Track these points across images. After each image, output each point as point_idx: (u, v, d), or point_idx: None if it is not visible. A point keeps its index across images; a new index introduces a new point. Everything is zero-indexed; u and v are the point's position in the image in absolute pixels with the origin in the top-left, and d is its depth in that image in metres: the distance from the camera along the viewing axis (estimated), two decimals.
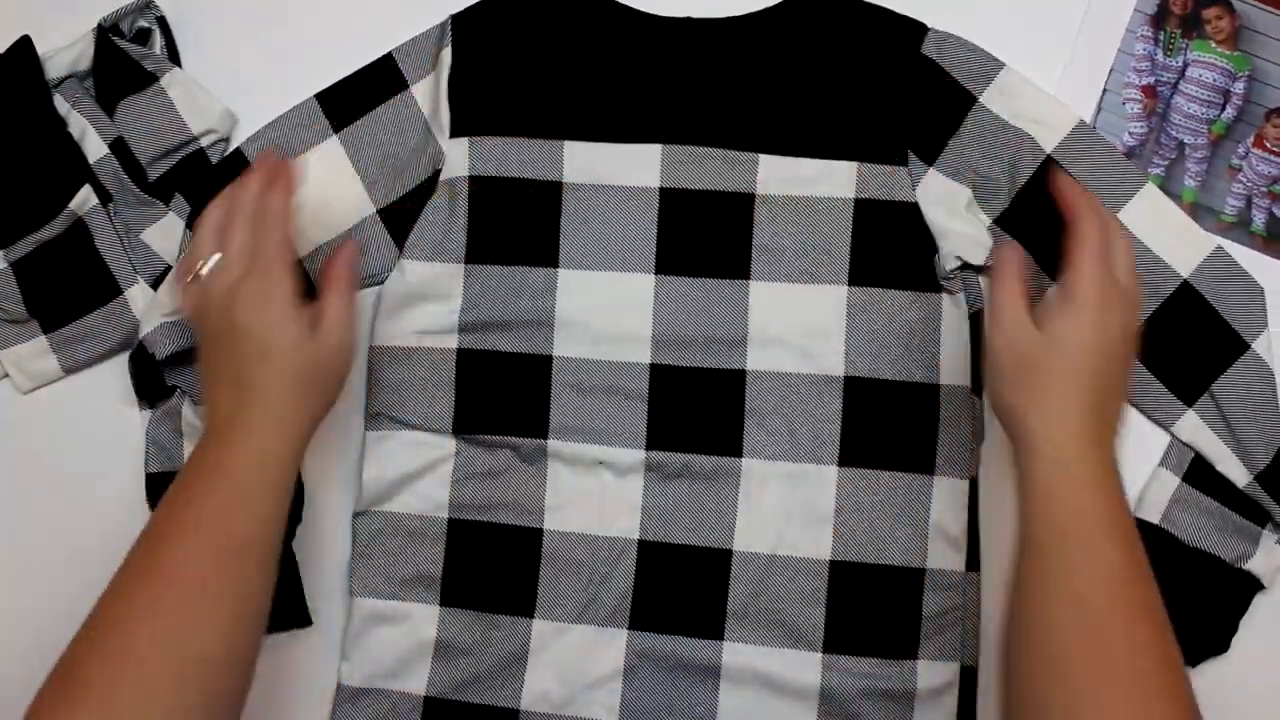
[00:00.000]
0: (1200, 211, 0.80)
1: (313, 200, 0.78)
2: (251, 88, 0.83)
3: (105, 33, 0.80)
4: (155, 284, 0.80)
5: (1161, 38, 0.81)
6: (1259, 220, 0.80)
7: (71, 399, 0.81)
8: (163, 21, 0.82)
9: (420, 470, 0.79)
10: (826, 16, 0.80)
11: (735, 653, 0.76)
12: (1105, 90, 0.81)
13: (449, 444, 0.79)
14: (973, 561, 0.77)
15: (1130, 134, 0.80)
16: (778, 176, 0.79)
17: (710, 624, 0.77)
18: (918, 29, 0.79)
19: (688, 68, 0.80)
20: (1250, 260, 0.79)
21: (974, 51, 0.79)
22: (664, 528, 0.78)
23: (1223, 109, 0.80)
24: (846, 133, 0.79)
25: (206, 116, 0.80)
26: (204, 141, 0.81)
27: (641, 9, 0.81)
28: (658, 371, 0.78)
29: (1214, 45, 0.80)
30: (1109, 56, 0.81)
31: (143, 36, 0.82)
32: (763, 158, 0.79)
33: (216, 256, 0.68)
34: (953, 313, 0.78)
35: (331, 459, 0.80)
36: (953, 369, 0.78)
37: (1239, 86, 0.80)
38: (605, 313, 0.79)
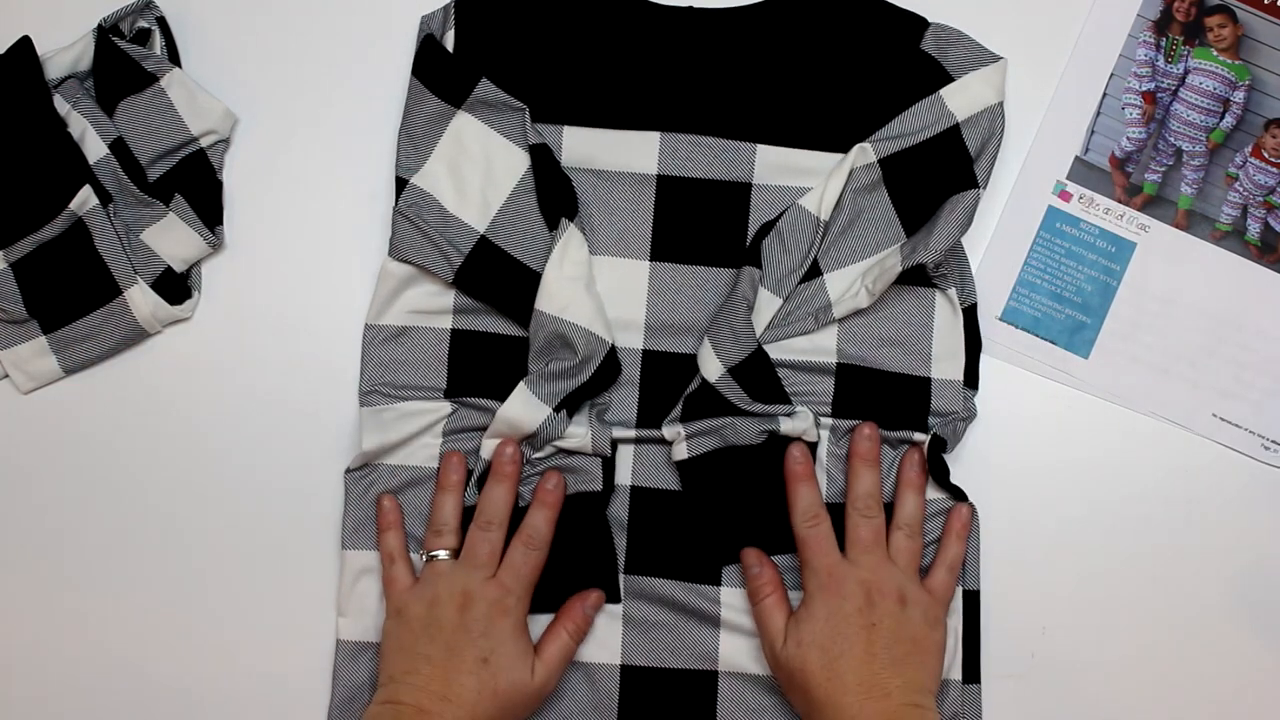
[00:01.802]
0: (1196, 219, 0.80)
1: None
2: (251, 88, 0.82)
3: (105, 33, 0.79)
4: (155, 284, 0.79)
5: (1163, 44, 0.81)
6: (1254, 230, 0.80)
7: (71, 399, 0.81)
8: (163, 21, 0.82)
9: (416, 433, 0.79)
10: (827, 8, 0.80)
11: (733, 596, 0.77)
12: (1105, 95, 0.81)
13: (443, 407, 0.79)
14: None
15: (1128, 139, 0.81)
16: (774, 167, 0.79)
17: (706, 569, 0.78)
18: (918, 23, 0.80)
19: (688, 56, 0.80)
20: (1245, 270, 0.80)
21: (974, 47, 0.79)
22: (655, 474, 0.78)
23: (1222, 117, 0.80)
24: (844, 125, 0.79)
25: (206, 116, 0.80)
26: (204, 142, 0.80)
27: None
28: (650, 358, 0.79)
29: (1215, 53, 0.80)
30: (1110, 61, 0.81)
31: (143, 36, 0.82)
32: (760, 148, 0.80)
33: (443, 553, 0.75)
34: (945, 307, 0.79)
35: (331, 440, 0.81)
36: (944, 363, 0.78)
37: (1239, 95, 0.80)
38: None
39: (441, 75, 0.79)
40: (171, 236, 0.80)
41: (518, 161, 0.79)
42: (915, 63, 0.79)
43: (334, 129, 0.82)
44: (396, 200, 0.79)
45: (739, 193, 0.79)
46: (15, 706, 0.80)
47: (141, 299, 0.79)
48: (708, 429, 0.76)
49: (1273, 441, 0.80)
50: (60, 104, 0.79)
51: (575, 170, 0.80)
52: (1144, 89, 0.81)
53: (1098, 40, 0.81)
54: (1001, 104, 0.78)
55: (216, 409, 0.81)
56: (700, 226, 0.80)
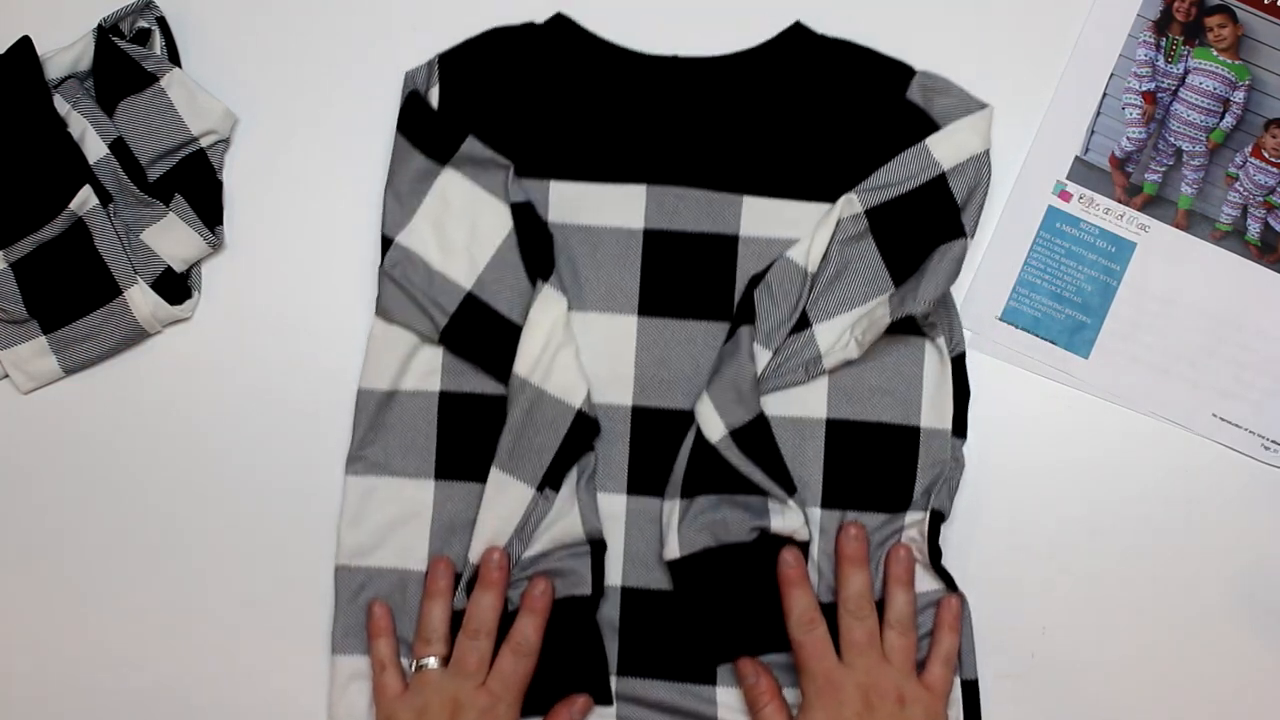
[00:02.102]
0: (1196, 219, 0.80)
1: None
2: (252, 88, 0.82)
3: (105, 33, 0.80)
4: (155, 284, 0.79)
5: (1163, 44, 0.81)
6: (1254, 230, 0.80)
7: (71, 399, 0.81)
8: (163, 21, 0.82)
9: (399, 520, 0.78)
10: (813, 57, 0.80)
11: (729, 696, 0.77)
12: (1105, 95, 0.81)
13: (429, 494, 0.78)
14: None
15: (1128, 139, 0.81)
16: (761, 218, 0.79)
17: (700, 669, 0.77)
18: (904, 72, 0.79)
19: (673, 107, 0.80)
20: (1245, 270, 0.80)
21: (960, 95, 0.78)
22: (646, 574, 0.78)
23: (1222, 117, 0.80)
24: (830, 175, 0.79)
25: (206, 116, 0.80)
26: (204, 142, 0.81)
27: (628, 47, 0.80)
28: (639, 414, 0.78)
29: (1215, 53, 0.80)
30: (1110, 61, 0.81)
31: (143, 36, 0.82)
32: (746, 199, 0.79)
33: (432, 661, 0.75)
34: (934, 356, 0.78)
35: (331, 440, 0.81)
36: (933, 412, 0.78)
37: (1239, 95, 0.80)
38: (588, 354, 0.78)
39: (427, 132, 0.78)
40: (171, 236, 0.80)
41: (504, 218, 0.78)
42: (901, 111, 0.78)
43: (334, 129, 0.82)
44: (382, 260, 0.78)
45: (726, 245, 0.79)
46: (15, 706, 0.80)
47: (141, 299, 0.79)
48: (699, 525, 0.75)
49: (1273, 441, 0.80)
50: (60, 104, 0.79)
51: (563, 226, 0.79)
52: (1144, 89, 0.81)
53: (1098, 40, 0.81)
54: (988, 152, 0.77)
55: (216, 409, 0.81)
56: (688, 280, 0.79)
